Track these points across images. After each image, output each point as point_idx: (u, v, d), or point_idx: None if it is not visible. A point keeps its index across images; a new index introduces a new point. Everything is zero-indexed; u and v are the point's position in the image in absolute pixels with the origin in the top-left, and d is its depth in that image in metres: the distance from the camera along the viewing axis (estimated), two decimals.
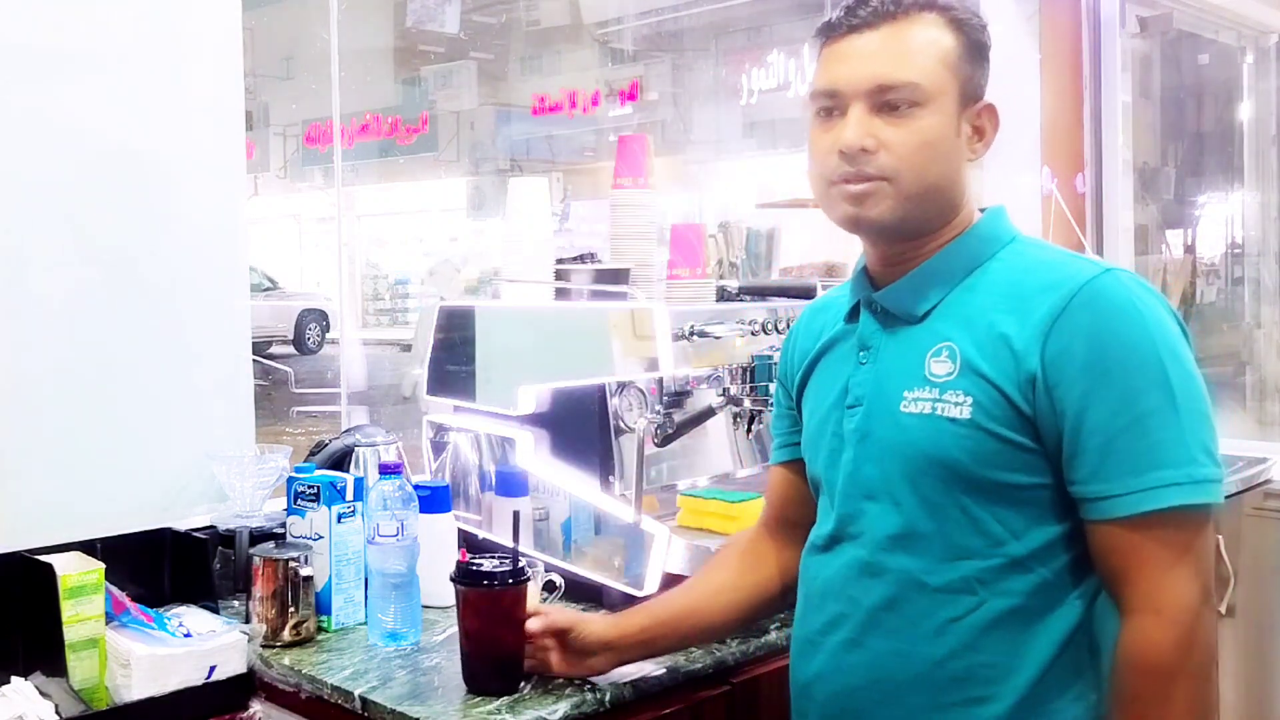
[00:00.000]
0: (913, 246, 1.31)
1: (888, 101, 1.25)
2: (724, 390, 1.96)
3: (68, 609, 1.57)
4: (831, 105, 1.29)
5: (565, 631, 1.48)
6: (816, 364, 1.43)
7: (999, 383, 1.20)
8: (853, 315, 1.38)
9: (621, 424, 1.90)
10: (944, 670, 1.24)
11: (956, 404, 1.22)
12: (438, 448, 2.14)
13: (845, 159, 1.26)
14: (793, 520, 1.50)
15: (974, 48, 1.29)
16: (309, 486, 1.79)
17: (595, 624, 1.50)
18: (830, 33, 1.31)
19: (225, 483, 1.94)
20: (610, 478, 1.89)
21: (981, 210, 1.34)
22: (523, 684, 1.51)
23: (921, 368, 1.26)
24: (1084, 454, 1.18)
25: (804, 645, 1.38)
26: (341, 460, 2.05)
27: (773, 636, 1.69)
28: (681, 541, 1.76)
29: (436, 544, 1.76)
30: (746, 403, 1.98)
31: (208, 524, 1.92)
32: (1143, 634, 1.18)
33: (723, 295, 2.11)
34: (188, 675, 1.59)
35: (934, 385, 1.24)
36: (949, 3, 1.29)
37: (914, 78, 1.25)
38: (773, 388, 1.95)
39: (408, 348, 13.39)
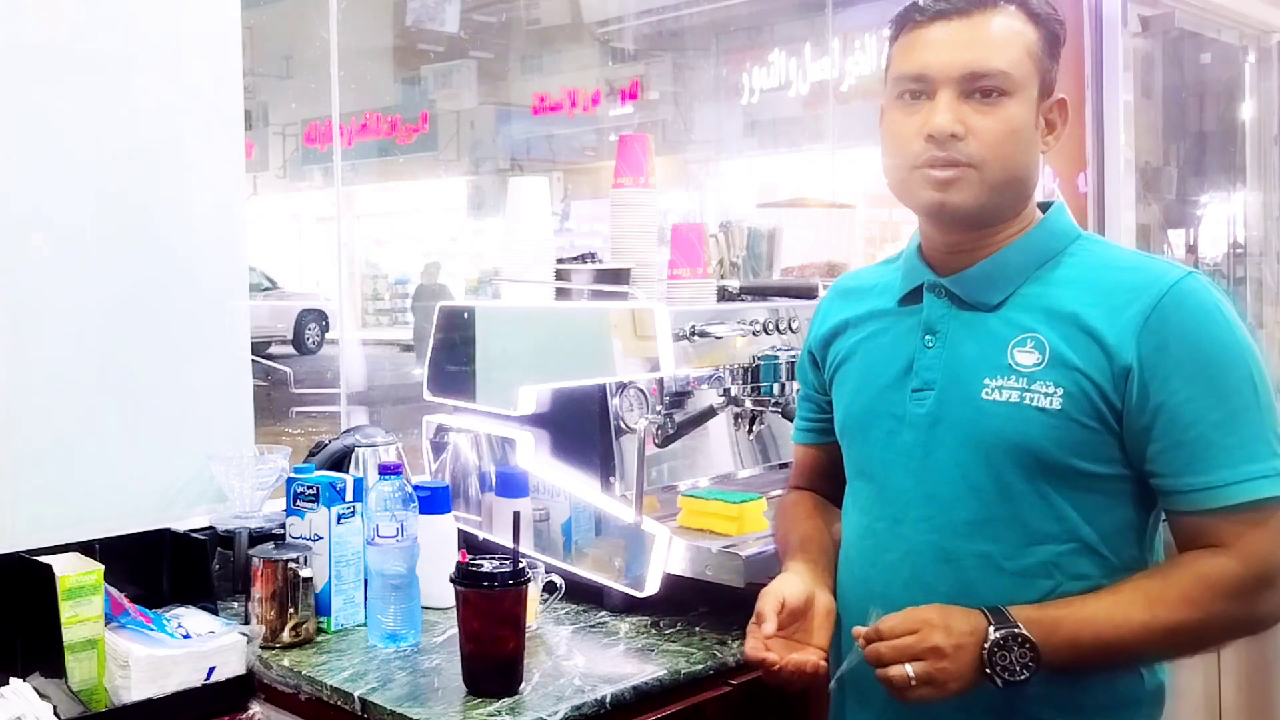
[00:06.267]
0: (984, 236, 1.33)
1: (978, 89, 1.26)
2: (725, 390, 1.96)
3: (66, 610, 1.56)
4: (919, 89, 1.29)
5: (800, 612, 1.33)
6: (860, 344, 1.44)
7: (1091, 375, 1.23)
8: (910, 298, 1.39)
9: (622, 424, 1.90)
10: None
11: (1046, 394, 1.24)
12: (438, 448, 2.13)
13: (934, 144, 1.27)
14: (825, 491, 1.55)
15: (1051, 41, 1.31)
16: (308, 487, 1.79)
17: (807, 592, 1.34)
18: (916, 17, 1.31)
19: (224, 483, 1.93)
20: (611, 478, 1.88)
21: (1040, 205, 1.36)
22: (523, 685, 1.51)
23: (1004, 356, 1.28)
24: (1178, 447, 1.22)
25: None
26: (341, 461, 2.04)
27: None
28: (682, 542, 1.76)
29: (436, 545, 1.76)
30: (748, 403, 1.97)
31: (207, 525, 1.91)
32: (1221, 564, 1.21)
33: (724, 295, 2.11)
34: (187, 676, 1.59)
35: (1020, 375, 1.26)
36: None
37: (1005, 66, 1.26)
38: (777, 388, 1.95)
39: (408, 348, 13.39)
